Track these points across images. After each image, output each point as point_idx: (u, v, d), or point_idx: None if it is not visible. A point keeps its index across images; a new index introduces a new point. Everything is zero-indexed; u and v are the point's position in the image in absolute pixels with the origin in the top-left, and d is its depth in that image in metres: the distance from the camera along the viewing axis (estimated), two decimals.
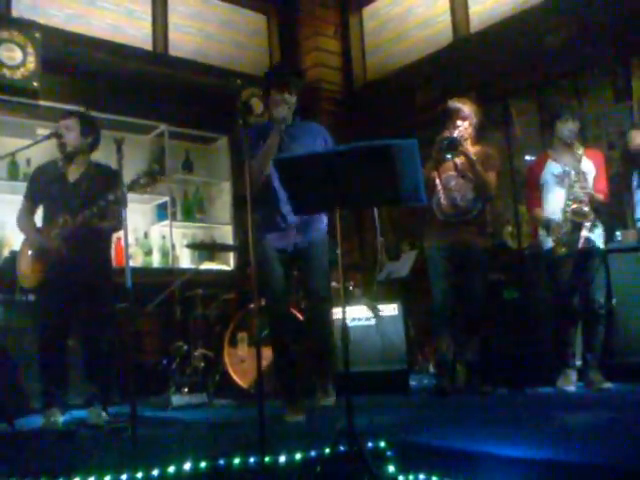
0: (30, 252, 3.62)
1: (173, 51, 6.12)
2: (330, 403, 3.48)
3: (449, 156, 3.94)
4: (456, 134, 3.91)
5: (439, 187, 4.04)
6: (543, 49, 5.08)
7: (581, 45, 4.98)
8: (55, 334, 3.61)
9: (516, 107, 5.30)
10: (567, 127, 3.98)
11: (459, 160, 4.05)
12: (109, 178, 3.60)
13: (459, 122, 3.98)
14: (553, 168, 3.99)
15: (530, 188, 4.13)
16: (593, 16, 4.95)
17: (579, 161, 3.90)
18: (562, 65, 5.15)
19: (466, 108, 4.02)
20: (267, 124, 3.47)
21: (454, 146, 3.88)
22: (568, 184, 3.87)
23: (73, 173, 3.68)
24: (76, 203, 3.53)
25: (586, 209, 3.82)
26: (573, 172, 3.86)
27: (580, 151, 3.91)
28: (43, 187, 3.67)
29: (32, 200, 3.73)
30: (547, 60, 5.18)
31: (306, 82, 3.64)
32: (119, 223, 3.40)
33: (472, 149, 4.00)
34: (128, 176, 3.30)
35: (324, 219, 3.53)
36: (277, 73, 3.57)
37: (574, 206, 3.83)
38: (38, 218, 3.80)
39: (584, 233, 3.84)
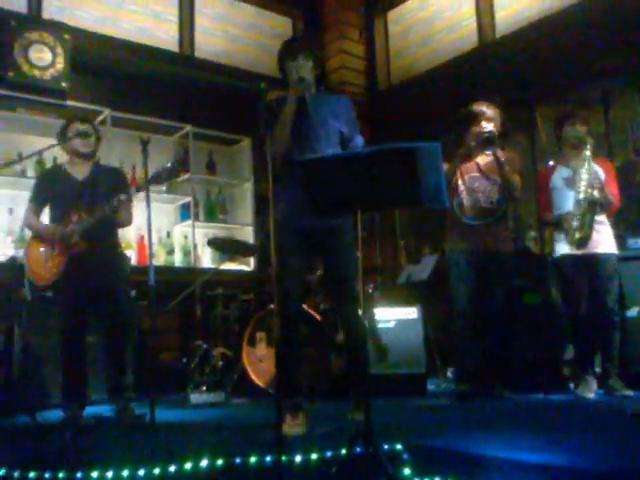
0: (43, 250, 3.67)
1: (199, 53, 6.18)
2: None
3: (489, 152, 3.90)
4: (493, 130, 3.90)
5: (462, 188, 4.03)
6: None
7: (608, 50, 4.92)
8: (76, 330, 3.66)
9: (541, 112, 5.28)
10: (574, 129, 4.00)
11: (482, 161, 4.04)
12: (115, 177, 3.86)
13: (484, 124, 3.98)
14: (563, 172, 4.01)
15: (541, 193, 4.13)
16: (620, 22, 4.89)
17: (585, 161, 3.89)
18: (588, 70, 5.10)
19: (490, 111, 4.01)
20: (283, 100, 3.34)
21: (493, 140, 3.86)
22: (578, 178, 3.86)
23: (80, 173, 3.80)
24: (86, 201, 3.65)
25: (597, 195, 3.80)
26: (583, 169, 3.86)
27: (587, 152, 3.89)
28: (51, 188, 3.79)
29: (39, 202, 3.82)
30: (573, 65, 5.13)
31: (323, 52, 3.56)
32: (130, 218, 3.77)
33: (498, 152, 3.98)
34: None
35: None
36: (286, 43, 3.39)
37: (585, 191, 3.81)
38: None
39: (597, 223, 3.84)
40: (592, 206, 3.82)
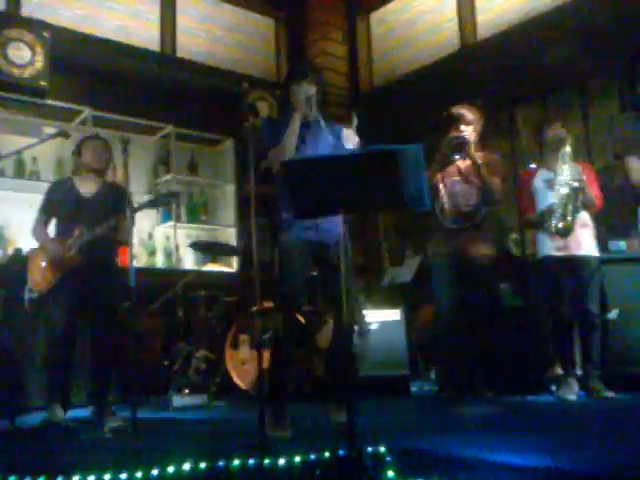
0: (44, 262, 3.71)
1: (181, 53, 6.14)
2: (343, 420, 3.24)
3: (457, 156, 3.92)
4: (465, 135, 3.92)
5: (442, 192, 4.03)
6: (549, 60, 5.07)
7: (587, 54, 4.98)
8: (65, 340, 3.67)
9: (522, 114, 5.32)
10: (554, 130, 4.03)
11: (463, 164, 4.05)
12: (120, 195, 3.84)
13: (463, 127, 3.99)
14: (544, 174, 4.04)
15: (522, 195, 4.15)
16: (599, 24, 4.95)
17: (565, 156, 3.92)
18: (568, 74, 5.15)
19: (470, 114, 4.03)
20: (281, 119, 3.41)
21: (464, 145, 3.88)
22: (559, 173, 3.88)
23: (88, 190, 3.84)
24: (90, 218, 3.69)
25: (578, 184, 3.81)
26: (563, 164, 3.89)
27: (567, 148, 3.92)
28: (58, 201, 3.82)
29: (47, 213, 3.85)
30: (553, 68, 5.18)
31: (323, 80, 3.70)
32: (129, 237, 3.63)
33: (476, 155, 4.00)
34: (133, 176, 3.38)
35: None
36: (293, 67, 3.57)
37: (566, 183, 3.83)
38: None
39: (581, 226, 3.87)
40: (573, 194, 3.82)
